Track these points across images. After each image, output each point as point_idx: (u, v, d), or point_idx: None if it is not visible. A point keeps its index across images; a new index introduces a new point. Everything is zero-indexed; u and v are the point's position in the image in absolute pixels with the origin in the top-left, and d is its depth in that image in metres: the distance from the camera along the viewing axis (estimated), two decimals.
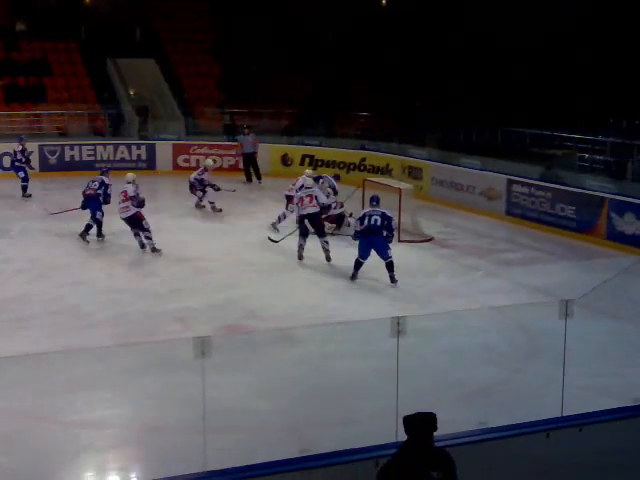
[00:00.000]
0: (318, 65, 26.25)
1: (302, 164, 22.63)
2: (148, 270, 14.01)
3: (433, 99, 23.17)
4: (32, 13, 28.16)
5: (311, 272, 14.03)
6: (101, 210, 15.65)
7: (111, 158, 23.73)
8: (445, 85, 22.82)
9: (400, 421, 5.23)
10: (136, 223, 14.92)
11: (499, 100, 20.81)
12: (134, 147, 24.01)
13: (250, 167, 22.52)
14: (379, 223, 13.05)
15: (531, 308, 10.68)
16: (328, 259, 14.32)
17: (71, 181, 20.95)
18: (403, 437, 5.19)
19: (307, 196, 14.58)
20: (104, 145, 23.91)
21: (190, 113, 26.65)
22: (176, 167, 23.60)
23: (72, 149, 23.60)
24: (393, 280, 12.96)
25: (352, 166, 22.41)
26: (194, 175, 18.42)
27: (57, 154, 23.31)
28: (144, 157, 23.85)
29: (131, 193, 14.96)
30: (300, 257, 14.42)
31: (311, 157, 23.11)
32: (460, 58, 23.28)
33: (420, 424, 5.17)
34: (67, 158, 23.30)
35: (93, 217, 15.65)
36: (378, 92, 24.54)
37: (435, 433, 5.21)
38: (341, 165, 22.39)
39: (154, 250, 14.76)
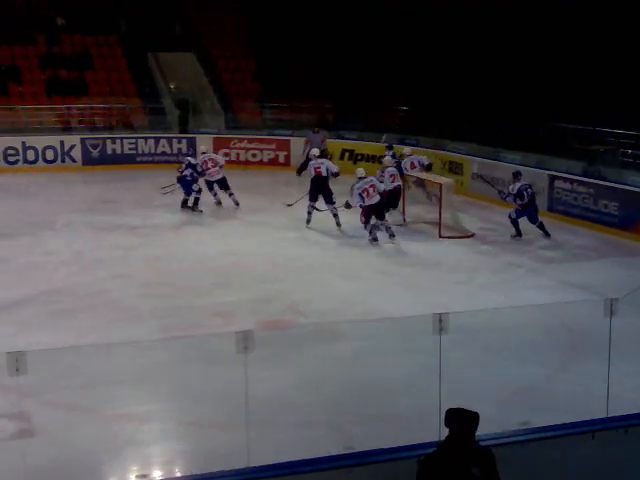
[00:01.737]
0: (356, 58, 26.16)
1: (342, 158, 22.61)
2: (190, 264, 14.06)
3: (473, 93, 22.99)
4: (73, 7, 28.39)
5: (352, 268, 14.01)
6: (192, 188, 17.72)
7: (152, 152, 23.97)
8: (485, 79, 22.63)
9: (443, 419, 5.23)
10: (225, 183, 17.85)
11: (540, 95, 20.61)
12: (175, 141, 24.18)
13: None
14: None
15: (574, 306, 10.57)
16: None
17: (113, 174, 21.20)
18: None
19: (370, 186, 15.10)
20: (145, 139, 24.10)
21: (230, 107, 26.75)
22: None
23: (114, 142, 23.84)
24: (548, 234, 15.49)
25: None
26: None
27: (99, 147, 23.53)
28: (185, 151, 23.94)
29: (220, 161, 18.07)
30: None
31: (350, 151, 23.09)
32: (500, 51, 23.07)
33: (462, 419, 5.17)
34: (109, 151, 23.52)
35: (188, 193, 17.62)
36: (417, 85, 24.42)
37: (478, 432, 5.19)
38: (380, 160, 22.29)
39: (238, 203, 17.85)
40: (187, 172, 17.78)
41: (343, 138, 23.69)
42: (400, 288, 12.76)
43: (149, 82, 27.39)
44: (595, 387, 8.15)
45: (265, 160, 23.71)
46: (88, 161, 23.45)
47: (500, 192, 16.19)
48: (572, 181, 17.31)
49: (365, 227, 15.23)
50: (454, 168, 20.43)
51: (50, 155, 23.18)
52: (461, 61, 23.81)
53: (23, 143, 23.09)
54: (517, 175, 15.86)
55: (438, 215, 15.76)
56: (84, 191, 19.92)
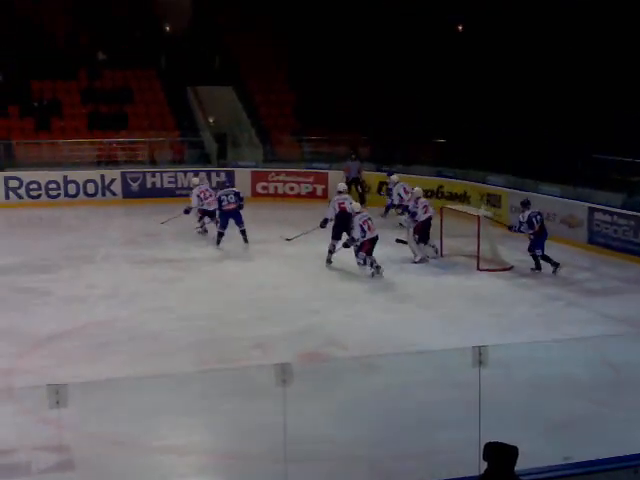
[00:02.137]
0: (393, 91, 26.28)
1: (379, 191, 22.64)
2: (228, 296, 14.12)
3: (511, 125, 22.96)
4: (113, 42, 28.90)
5: (389, 300, 14.02)
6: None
7: (191, 185, 24.09)
8: (524, 111, 22.60)
9: (482, 453, 5.20)
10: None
11: (579, 126, 20.54)
12: (214, 174, 24.36)
13: (356, 191, 22.90)
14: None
15: (615, 339, 10.47)
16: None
17: (152, 207, 21.41)
18: None
19: (369, 219, 15.29)
20: (184, 172, 24.32)
21: (268, 140, 26.95)
22: (255, 194, 23.86)
23: (153, 176, 24.10)
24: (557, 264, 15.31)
25: (429, 193, 22.27)
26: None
27: (139, 181, 23.79)
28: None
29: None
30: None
31: (387, 184, 23.08)
32: (538, 85, 23.06)
33: (501, 453, 5.14)
34: (149, 185, 23.79)
35: (222, 227, 17.56)
36: (454, 118, 24.45)
37: (518, 467, 5.15)
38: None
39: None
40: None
41: (380, 171, 23.73)
42: (438, 321, 12.73)
43: (188, 116, 27.70)
44: (637, 421, 8.05)
45: (303, 193, 23.83)
46: (128, 194, 23.73)
47: (511, 227, 16.02)
48: (612, 213, 17.17)
49: (364, 262, 15.12)
50: (492, 200, 20.37)
51: (91, 189, 23.49)
52: (499, 94, 23.82)
53: (64, 177, 23.42)
54: (526, 204, 15.74)
55: (476, 247, 15.69)
56: (124, 224, 20.13)
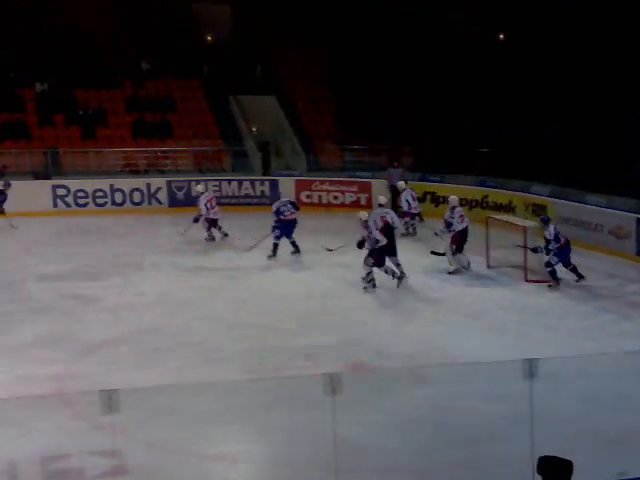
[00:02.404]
0: (436, 100, 26.24)
1: (423, 200, 22.61)
2: (275, 306, 14.18)
3: (557, 134, 22.82)
4: (157, 52, 29.23)
5: (437, 311, 13.97)
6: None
7: (235, 194, 24.31)
8: (570, 121, 22.46)
9: (535, 467, 5.17)
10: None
11: (626, 136, 20.34)
12: (257, 183, 24.50)
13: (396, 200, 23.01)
14: None
15: None
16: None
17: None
18: None
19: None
20: (228, 181, 24.47)
21: (311, 149, 27.03)
22: (299, 203, 23.83)
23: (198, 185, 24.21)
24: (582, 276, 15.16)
25: (474, 203, 22.25)
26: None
27: (184, 190, 23.97)
28: (267, 193, 24.20)
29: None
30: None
31: (432, 194, 23.09)
32: (583, 93, 22.90)
33: (556, 467, 5.11)
34: (194, 193, 23.94)
35: (279, 237, 17.34)
36: (500, 127, 24.34)
37: None
38: (463, 202, 22.16)
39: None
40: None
41: (425, 180, 23.70)
42: (487, 332, 12.66)
43: (231, 125, 27.88)
44: None
45: (347, 202, 23.83)
46: (174, 203, 23.93)
47: (535, 249, 15.45)
48: None
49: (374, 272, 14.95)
50: (537, 210, 20.22)
51: (137, 197, 23.74)
52: (545, 103, 23.67)
53: (111, 185, 23.70)
54: (546, 221, 15.39)
55: (523, 258, 15.58)
56: (170, 232, 20.22)
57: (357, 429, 8.61)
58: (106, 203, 23.58)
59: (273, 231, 17.50)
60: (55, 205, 22.94)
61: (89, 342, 12.08)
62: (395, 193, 22.85)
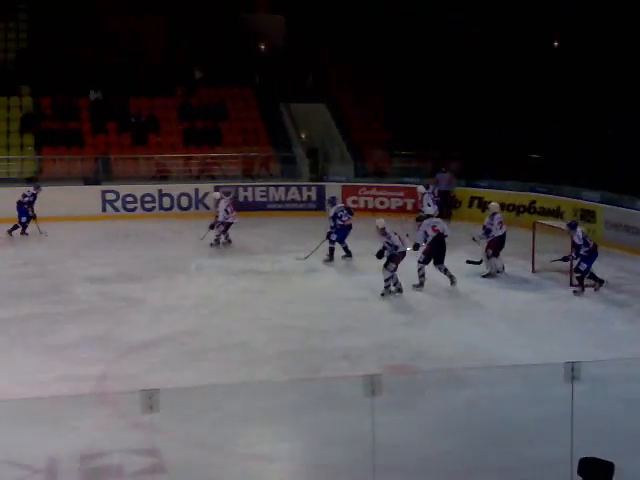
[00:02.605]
0: (485, 106, 26.06)
1: (470, 206, 22.47)
2: (316, 308, 14.21)
3: (608, 140, 22.53)
4: (210, 61, 29.50)
5: (478, 314, 13.88)
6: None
7: (283, 199, 24.42)
8: (621, 125, 22.15)
9: (575, 469, 5.10)
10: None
11: None
12: (305, 188, 24.56)
13: (443, 205, 22.95)
14: None
15: None
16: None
17: (244, 221, 21.64)
18: None
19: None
20: (276, 186, 24.60)
21: (359, 155, 27.04)
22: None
23: (246, 190, 24.41)
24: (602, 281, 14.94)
25: (521, 208, 22.05)
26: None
27: (232, 195, 24.11)
28: (314, 198, 24.31)
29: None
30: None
31: (479, 199, 22.93)
32: (636, 98, 22.58)
33: (597, 469, 5.05)
34: (241, 199, 24.12)
35: (336, 241, 17.43)
36: (551, 133, 24.11)
37: None
38: (510, 207, 22.05)
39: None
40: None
41: (472, 186, 23.55)
42: (528, 336, 12.52)
43: (281, 132, 28.02)
44: None
45: (393, 208, 23.77)
46: None
47: (566, 258, 15.20)
48: None
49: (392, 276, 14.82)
50: (586, 216, 19.96)
51: (185, 202, 23.96)
52: (596, 109, 23.40)
53: (159, 190, 23.95)
54: (574, 225, 15.10)
55: (569, 263, 15.40)
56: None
57: (396, 430, 8.57)
58: (154, 208, 23.85)
59: (329, 236, 17.45)
60: (104, 209, 23.26)
61: (132, 343, 12.22)
62: (443, 198, 22.79)
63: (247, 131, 27.83)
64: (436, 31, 28.80)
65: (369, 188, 24.39)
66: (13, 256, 18.58)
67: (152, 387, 6.94)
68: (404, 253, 14.81)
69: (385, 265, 14.74)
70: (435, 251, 15.31)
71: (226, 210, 19.21)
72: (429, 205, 20.50)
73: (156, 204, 23.86)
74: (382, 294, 14.67)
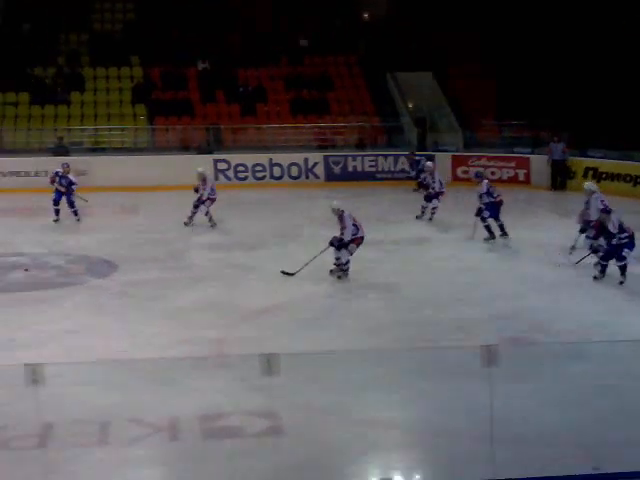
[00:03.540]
0: (598, 73, 25.31)
1: (585, 176, 21.94)
2: (431, 277, 14.21)
3: None
4: (315, 29, 29.51)
5: (598, 288, 13.50)
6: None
7: (391, 169, 24.38)
8: None
9: None
10: None
11: None
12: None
13: (557, 175, 22.80)
14: None
15: None
16: None
17: (354, 190, 21.77)
18: None
19: None
20: (385, 156, 24.55)
21: (467, 125, 26.70)
22: (455, 178, 23.72)
23: (354, 160, 24.46)
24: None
25: (639, 179, 21.42)
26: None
27: (341, 165, 24.24)
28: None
29: None
30: None
31: (594, 169, 22.38)
32: None
33: None
34: (350, 169, 24.16)
35: (488, 218, 16.44)
36: None
37: None
38: (627, 178, 21.45)
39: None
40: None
41: (586, 156, 23.00)
42: None
43: (388, 101, 27.88)
44: None
45: (504, 178, 23.41)
46: (330, 177, 24.22)
47: (594, 250, 14.06)
48: None
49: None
50: None
51: (294, 171, 24.17)
52: None
53: (270, 160, 24.22)
54: (609, 211, 13.86)
55: None
56: (327, 206, 20.40)
57: (513, 402, 8.52)
58: (265, 177, 24.12)
59: (480, 213, 16.55)
60: (216, 178, 23.65)
61: (248, 309, 12.39)
62: (555, 168, 22.38)
63: (353, 101, 27.79)
64: None
65: (479, 158, 24.08)
66: (136, 223, 19.11)
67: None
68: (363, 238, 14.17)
69: (346, 247, 13.96)
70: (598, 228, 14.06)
71: (212, 188, 18.42)
72: (440, 182, 18.83)
73: (267, 173, 24.13)
74: (338, 276, 13.97)
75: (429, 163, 19.82)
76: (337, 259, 14.01)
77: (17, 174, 22.92)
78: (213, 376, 9.48)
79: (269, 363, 7.14)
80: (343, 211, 14.19)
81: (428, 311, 12.30)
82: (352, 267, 14.09)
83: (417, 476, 7.82)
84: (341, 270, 13.97)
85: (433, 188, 18.61)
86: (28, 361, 7.17)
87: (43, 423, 8.16)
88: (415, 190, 21.93)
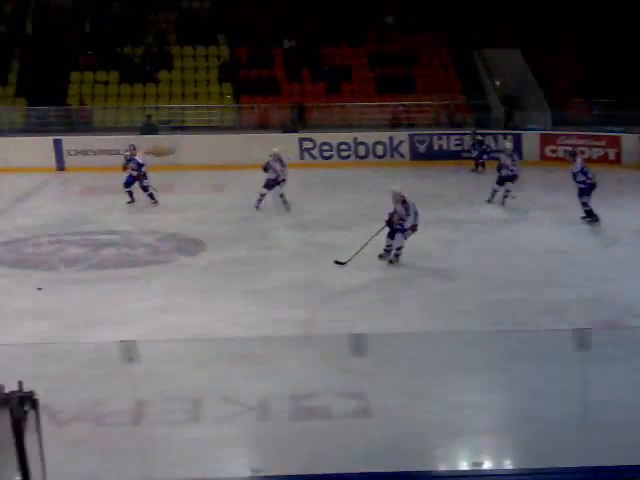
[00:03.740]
0: None
1: None
2: (517, 259, 14.01)
3: None
4: (401, 6, 29.23)
5: None
6: None
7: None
8: None
9: None
10: None
11: None
12: (500, 137, 24.04)
13: None
14: None
15: None
16: None
17: (439, 169, 21.59)
18: None
19: None
20: (471, 134, 24.21)
21: (556, 103, 26.17)
22: (543, 157, 23.33)
23: (440, 139, 24.23)
24: None
25: None
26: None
27: (426, 143, 24.04)
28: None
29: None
30: None
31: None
32: None
33: None
34: (435, 147, 23.94)
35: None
36: None
37: None
38: None
39: None
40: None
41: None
42: None
43: (474, 79, 27.52)
44: None
45: (594, 157, 22.88)
46: (415, 156, 24.05)
47: None
48: None
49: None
50: None
51: (379, 150, 24.06)
52: None
53: (355, 139, 24.16)
54: None
55: None
56: (412, 185, 20.09)
57: (606, 387, 8.30)
58: (349, 156, 24.09)
59: (582, 193, 16.17)
60: (302, 157, 23.72)
61: (333, 289, 12.44)
62: None
63: (439, 78, 27.50)
64: None
65: (568, 137, 23.60)
66: (222, 202, 19.35)
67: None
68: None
69: (403, 232, 13.69)
70: None
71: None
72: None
73: (352, 152, 24.09)
74: (390, 261, 13.73)
75: (509, 144, 19.42)
76: (388, 246, 13.76)
77: (107, 152, 23.33)
78: (301, 356, 9.50)
79: (357, 343, 7.14)
80: (404, 196, 13.84)
81: (515, 293, 12.14)
82: (435, 248, 14.02)
83: (508, 461, 7.76)
84: (395, 255, 13.70)
85: (512, 170, 18.00)
86: (121, 338, 7.28)
87: (137, 400, 8.33)
88: (473, 170, 21.63)
